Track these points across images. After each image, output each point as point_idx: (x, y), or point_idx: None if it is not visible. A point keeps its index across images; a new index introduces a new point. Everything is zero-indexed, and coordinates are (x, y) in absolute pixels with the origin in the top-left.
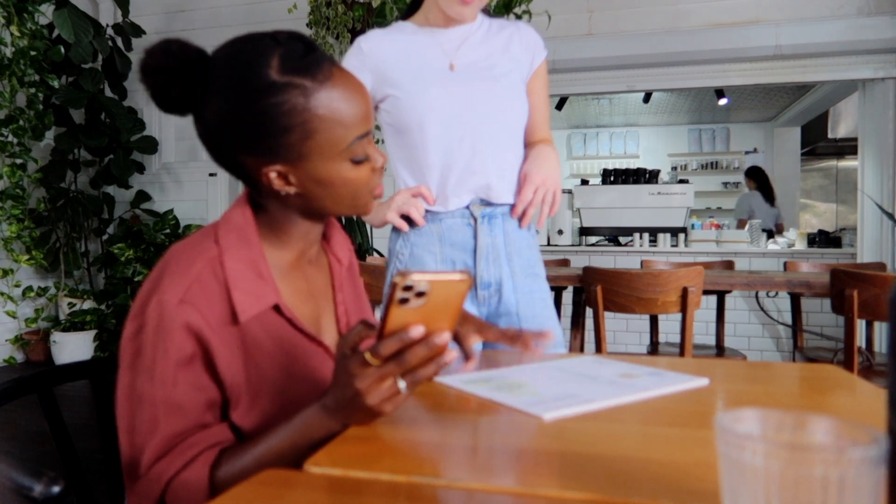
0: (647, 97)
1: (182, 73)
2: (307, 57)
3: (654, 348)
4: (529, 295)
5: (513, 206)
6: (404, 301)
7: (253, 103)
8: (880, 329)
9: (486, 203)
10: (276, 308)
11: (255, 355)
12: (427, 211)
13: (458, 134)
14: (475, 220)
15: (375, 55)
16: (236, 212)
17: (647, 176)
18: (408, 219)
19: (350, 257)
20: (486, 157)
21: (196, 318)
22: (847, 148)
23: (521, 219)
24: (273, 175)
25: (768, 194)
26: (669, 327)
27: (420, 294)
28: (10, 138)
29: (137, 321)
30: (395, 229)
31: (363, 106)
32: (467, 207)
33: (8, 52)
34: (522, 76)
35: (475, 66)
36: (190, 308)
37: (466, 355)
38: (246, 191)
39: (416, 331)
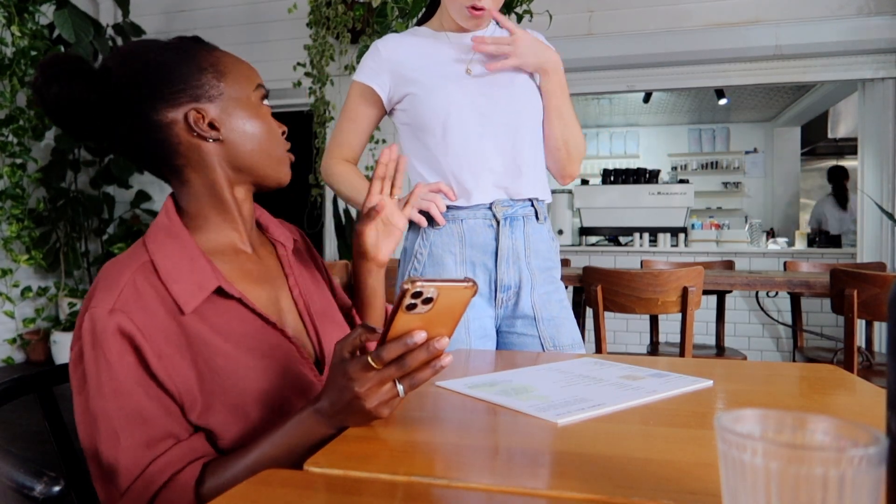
0: (647, 97)
1: (80, 75)
2: (194, 38)
3: (654, 348)
4: (546, 297)
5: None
6: (412, 307)
7: (163, 55)
8: (880, 329)
9: (508, 201)
10: (223, 291)
11: (204, 351)
12: (448, 208)
13: (476, 131)
14: (497, 221)
15: (393, 57)
16: (160, 216)
17: (647, 176)
18: (426, 216)
19: (294, 242)
20: (505, 153)
21: (127, 323)
22: (847, 148)
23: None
24: (198, 117)
25: (841, 196)
26: (669, 327)
27: (427, 300)
28: (11, 138)
29: (77, 344)
30: (413, 228)
31: (251, 67)
32: (490, 208)
33: (8, 52)
34: (536, 77)
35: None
36: (120, 314)
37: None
38: (169, 197)
39: (419, 336)
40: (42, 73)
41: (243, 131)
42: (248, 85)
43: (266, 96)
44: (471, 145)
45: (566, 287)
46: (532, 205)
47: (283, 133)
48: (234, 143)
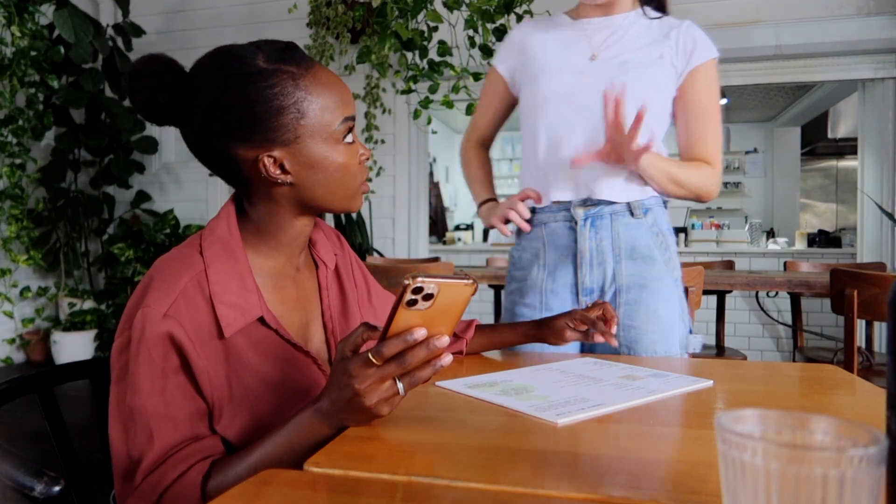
0: None
1: (169, 78)
2: (287, 51)
3: None
4: (634, 306)
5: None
6: (412, 303)
7: (245, 88)
8: (880, 329)
9: (589, 202)
10: (263, 320)
11: (238, 368)
12: (535, 211)
13: (569, 124)
14: (576, 222)
15: (520, 41)
16: (220, 222)
17: None
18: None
19: (336, 259)
20: (592, 148)
21: (178, 331)
22: (847, 148)
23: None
24: (269, 162)
25: None
26: None
27: (428, 297)
28: (10, 138)
29: (124, 335)
30: (519, 233)
31: (345, 91)
32: (568, 209)
33: (8, 52)
34: (667, 74)
35: (614, 58)
36: (173, 322)
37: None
38: (231, 200)
39: (420, 332)
40: (130, 81)
41: (315, 173)
42: (333, 119)
43: (352, 127)
44: (560, 139)
45: None
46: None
47: (366, 159)
48: (305, 185)
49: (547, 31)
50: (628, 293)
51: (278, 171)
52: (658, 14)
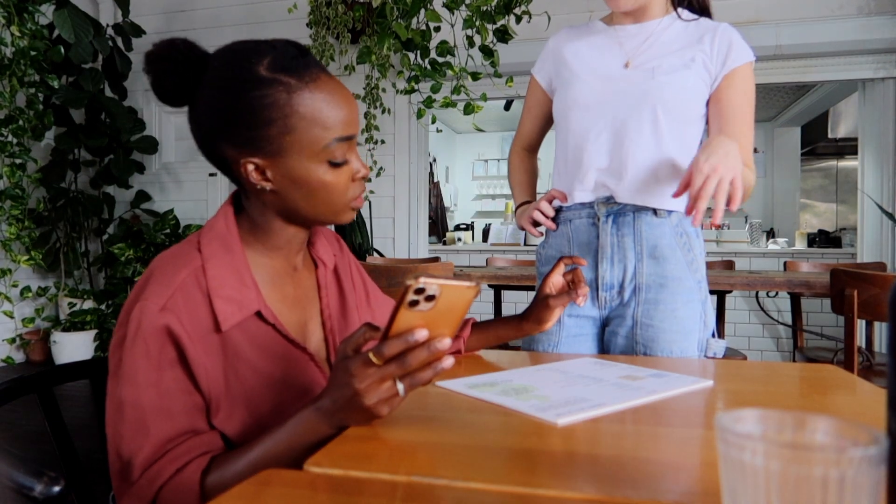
0: None
1: (181, 65)
2: (297, 60)
3: None
4: (652, 304)
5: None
6: (414, 303)
7: (240, 94)
8: (880, 329)
9: (611, 200)
10: (261, 315)
11: (236, 364)
12: (561, 210)
13: (596, 128)
14: (598, 219)
15: (556, 49)
16: (219, 219)
17: None
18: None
19: (335, 260)
20: (620, 154)
21: (176, 324)
22: (847, 148)
23: (694, 216)
24: (251, 167)
25: None
26: None
27: (430, 298)
28: (10, 138)
29: (122, 330)
30: (547, 231)
31: (347, 111)
32: (592, 206)
33: (8, 52)
34: (699, 78)
35: (647, 63)
36: (170, 315)
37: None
38: (230, 197)
39: (421, 334)
40: (144, 62)
41: (297, 188)
42: (323, 138)
43: (349, 147)
44: (586, 141)
45: None
46: None
47: (361, 177)
48: (287, 196)
49: (581, 39)
50: (647, 292)
51: (259, 178)
52: (693, 17)
